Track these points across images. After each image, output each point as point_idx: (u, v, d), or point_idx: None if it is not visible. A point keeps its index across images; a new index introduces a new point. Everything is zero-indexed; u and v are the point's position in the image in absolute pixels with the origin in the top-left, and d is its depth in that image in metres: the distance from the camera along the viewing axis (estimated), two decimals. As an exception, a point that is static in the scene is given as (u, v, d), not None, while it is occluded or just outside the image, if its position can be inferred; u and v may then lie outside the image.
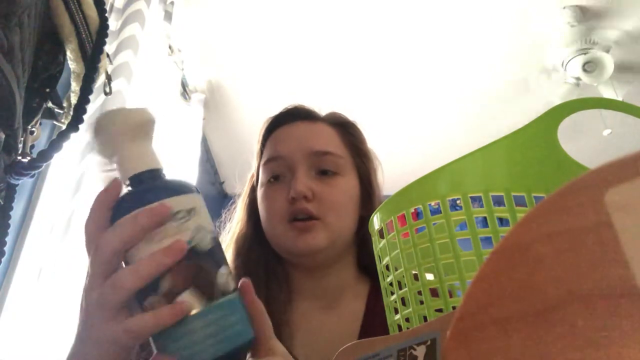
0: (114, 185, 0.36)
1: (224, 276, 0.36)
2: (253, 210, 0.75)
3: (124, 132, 0.37)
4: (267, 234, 0.70)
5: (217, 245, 0.37)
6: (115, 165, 0.37)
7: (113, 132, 0.37)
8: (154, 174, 0.37)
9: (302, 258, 0.68)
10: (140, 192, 0.36)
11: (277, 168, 0.69)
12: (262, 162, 0.72)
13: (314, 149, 0.69)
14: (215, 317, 0.34)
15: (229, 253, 0.73)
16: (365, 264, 0.73)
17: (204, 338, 0.34)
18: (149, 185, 0.37)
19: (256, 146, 0.76)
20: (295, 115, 0.74)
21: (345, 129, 0.75)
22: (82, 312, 0.36)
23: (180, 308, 0.33)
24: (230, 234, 0.76)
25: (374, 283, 0.72)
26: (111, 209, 0.36)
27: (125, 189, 0.37)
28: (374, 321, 0.66)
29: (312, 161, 0.68)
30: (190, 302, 0.34)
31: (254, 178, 0.77)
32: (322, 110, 0.78)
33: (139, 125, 0.37)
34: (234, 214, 0.79)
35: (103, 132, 0.37)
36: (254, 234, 0.73)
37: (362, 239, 0.72)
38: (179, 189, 0.37)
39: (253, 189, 0.76)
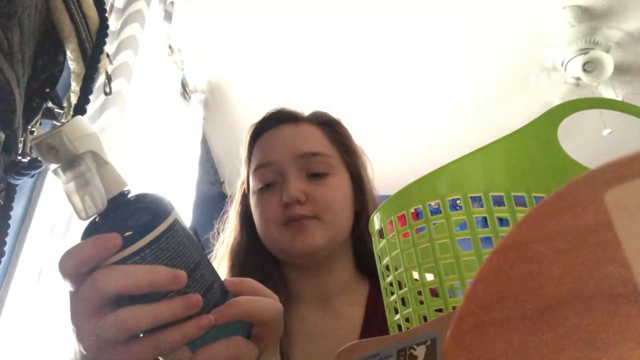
0: (115, 241, 0.33)
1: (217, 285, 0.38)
2: (246, 217, 0.74)
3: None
4: (264, 240, 0.70)
5: (204, 260, 0.38)
6: (92, 173, 0.34)
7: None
8: (127, 194, 0.36)
9: (302, 259, 0.68)
10: (139, 225, 0.34)
11: (267, 174, 0.69)
12: (251, 170, 0.72)
13: (302, 150, 0.69)
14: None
15: (224, 263, 0.73)
16: (364, 262, 0.72)
17: (217, 336, 0.36)
18: (145, 216, 0.35)
19: (243, 153, 0.76)
20: (278, 119, 0.74)
21: (330, 127, 0.75)
22: (76, 334, 0.34)
23: (207, 320, 0.34)
24: (224, 244, 0.76)
25: (372, 284, 0.72)
26: (102, 262, 0.33)
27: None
28: (373, 327, 0.66)
29: (302, 163, 0.68)
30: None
31: (244, 185, 0.76)
32: (311, 108, 0.77)
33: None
34: (227, 223, 0.79)
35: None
36: (249, 241, 0.73)
37: (358, 235, 0.72)
38: (166, 213, 0.36)
39: (244, 196, 0.76)
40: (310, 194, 0.66)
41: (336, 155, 0.72)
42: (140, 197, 0.36)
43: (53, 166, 0.34)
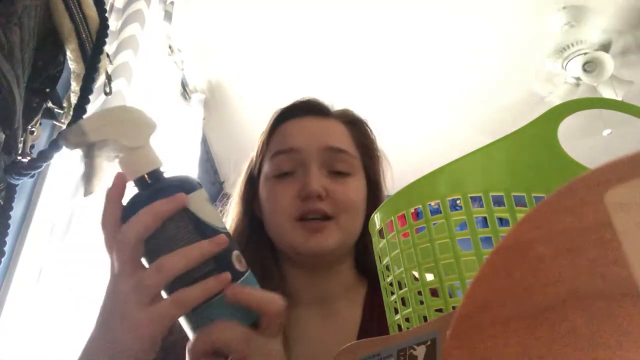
0: (119, 180, 0.39)
1: (239, 257, 0.41)
2: (250, 204, 0.71)
3: (134, 130, 0.40)
4: (271, 231, 0.67)
5: (226, 232, 0.42)
6: (121, 158, 0.40)
7: (122, 129, 0.40)
8: (158, 173, 0.41)
9: (310, 258, 0.66)
10: (155, 191, 0.39)
11: (287, 162, 0.66)
12: (269, 155, 0.68)
13: (329, 144, 0.66)
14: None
15: None
16: (363, 263, 0.71)
17: (228, 315, 0.39)
18: (162, 184, 0.40)
19: (260, 137, 0.72)
20: (307, 110, 0.71)
21: (356, 127, 0.72)
22: (112, 302, 0.38)
23: (225, 277, 0.38)
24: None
25: (371, 284, 0.71)
26: (121, 204, 0.39)
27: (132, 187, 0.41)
28: (370, 328, 0.65)
29: (326, 157, 0.65)
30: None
31: (254, 168, 0.72)
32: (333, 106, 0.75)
33: (146, 126, 0.41)
34: (229, 208, 0.75)
35: (107, 128, 0.39)
36: (251, 230, 0.70)
37: (364, 240, 0.70)
38: (188, 187, 0.40)
39: (251, 181, 0.72)
40: (331, 191, 0.63)
41: (358, 157, 0.70)
42: (174, 175, 0.42)
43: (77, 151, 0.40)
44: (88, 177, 0.40)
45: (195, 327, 0.39)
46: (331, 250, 0.63)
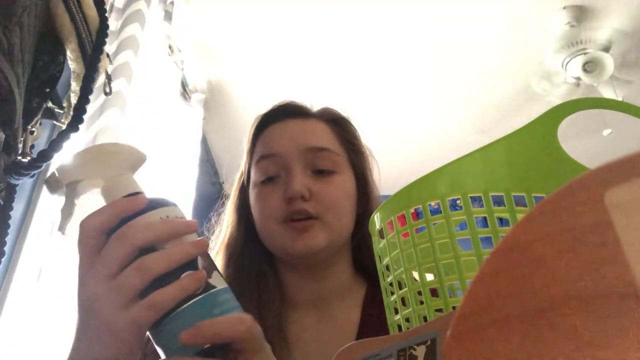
0: (140, 199, 0.38)
1: (216, 274, 0.40)
2: (244, 212, 0.72)
3: (120, 165, 0.41)
4: (262, 236, 0.68)
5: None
6: (100, 190, 0.41)
7: (111, 163, 0.41)
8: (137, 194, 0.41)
9: (301, 259, 0.66)
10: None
11: (271, 166, 0.67)
12: (254, 161, 0.70)
13: (309, 145, 0.67)
14: (202, 310, 0.37)
15: (218, 260, 0.71)
16: (362, 264, 0.71)
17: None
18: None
19: (246, 145, 0.74)
20: (287, 113, 0.72)
21: (339, 125, 0.73)
22: (87, 304, 0.36)
23: (201, 275, 0.36)
24: (220, 239, 0.74)
25: (370, 284, 0.70)
26: (124, 220, 0.37)
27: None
28: (369, 330, 0.64)
29: (308, 158, 0.66)
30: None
31: (244, 177, 0.74)
32: (316, 105, 0.75)
33: (133, 162, 0.43)
34: (224, 217, 0.76)
35: (97, 162, 0.41)
36: (246, 237, 0.71)
37: (360, 238, 0.70)
38: (163, 202, 0.41)
39: (243, 190, 0.74)
40: (315, 191, 0.64)
41: (343, 154, 0.70)
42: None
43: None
44: (64, 216, 0.41)
45: (165, 338, 0.36)
46: (320, 249, 0.64)
